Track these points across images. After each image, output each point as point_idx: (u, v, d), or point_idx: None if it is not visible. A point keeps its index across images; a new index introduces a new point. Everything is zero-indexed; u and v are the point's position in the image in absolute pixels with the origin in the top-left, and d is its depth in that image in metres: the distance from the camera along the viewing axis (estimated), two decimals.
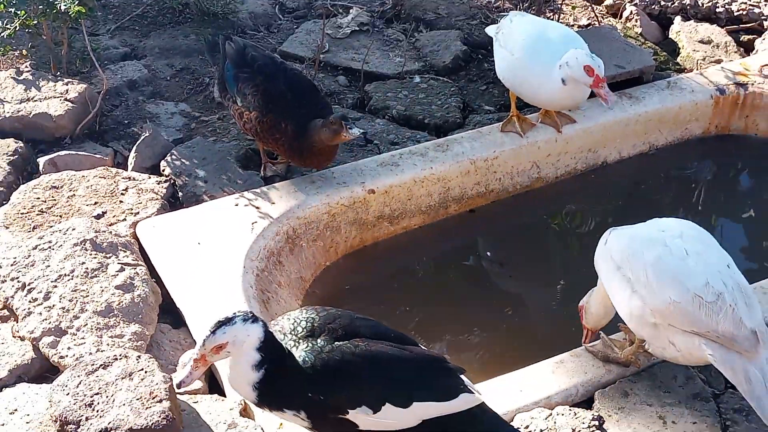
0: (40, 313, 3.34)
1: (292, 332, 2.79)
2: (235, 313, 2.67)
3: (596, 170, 4.64)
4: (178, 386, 2.71)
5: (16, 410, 3.08)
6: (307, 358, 2.72)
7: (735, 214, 4.58)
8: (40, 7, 4.42)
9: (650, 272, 3.01)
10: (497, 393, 3.18)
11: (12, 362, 3.25)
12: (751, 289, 3.05)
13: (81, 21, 4.44)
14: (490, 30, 4.57)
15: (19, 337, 3.33)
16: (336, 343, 2.75)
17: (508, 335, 3.86)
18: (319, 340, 2.76)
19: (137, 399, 2.89)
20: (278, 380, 2.72)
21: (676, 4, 5.59)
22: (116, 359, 3.03)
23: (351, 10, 5.51)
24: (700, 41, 5.35)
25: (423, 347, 2.89)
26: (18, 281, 3.47)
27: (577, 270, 4.08)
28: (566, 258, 4.33)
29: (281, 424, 3.03)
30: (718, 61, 5.17)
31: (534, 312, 4.00)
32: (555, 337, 3.73)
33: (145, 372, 2.98)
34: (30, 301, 3.39)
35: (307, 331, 2.79)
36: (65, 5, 4.30)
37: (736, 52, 5.30)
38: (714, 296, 2.90)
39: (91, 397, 2.91)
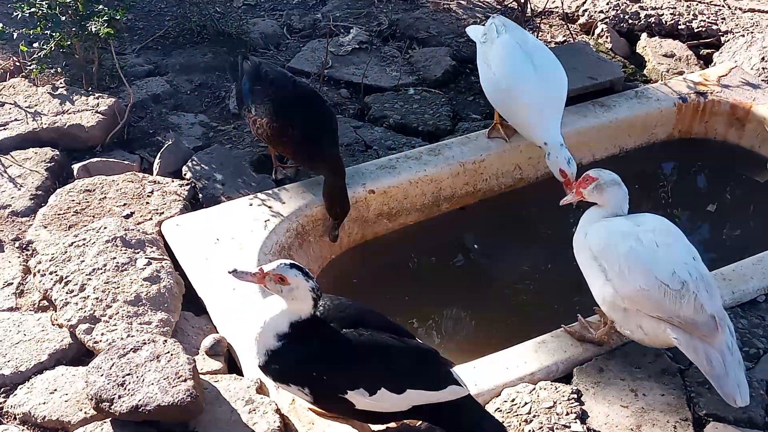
0: (76, 303, 3.34)
1: None
2: (313, 278, 2.70)
3: None
4: (232, 271, 2.73)
5: (55, 390, 3.08)
6: (316, 341, 2.74)
7: (696, 209, 4.59)
8: (73, 29, 4.42)
9: (623, 262, 3.02)
10: (487, 370, 3.19)
11: (51, 347, 3.25)
12: (713, 279, 3.07)
13: (110, 41, 4.44)
14: (473, 31, 4.48)
15: (58, 324, 3.34)
16: (343, 330, 2.77)
17: (495, 318, 3.86)
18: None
19: (164, 379, 2.89)
20: (289, 354, 2.74)
21: (642, 21, 5.60)
22: (145, 343, 3.03)
23: (351, 30, 5.51)
24: (664, 55, 5.35)
25: (419, 340, 2.90)
26: (56, 275, 3.47)
27: (556, 260, 4.10)
28: (546, 249, 4.33)
29: (293, 399, 3.04)
30: (681, 73, 5.17)
31: (518, 297, 4.01)
32: (537, 319, 3.74)
33: (171, 354, 2.99)
34: (67, 293, 3.40)
35: (322, 317, 2.80)
36: (96, 27, 4.30)
37: (696, 64, 5.31)
38: (679, 285, 2.91)
39: (123, 377, 2.91)
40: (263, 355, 2.76)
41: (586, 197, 3.26)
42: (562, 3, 5.73)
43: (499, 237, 4.38)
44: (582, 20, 5.71)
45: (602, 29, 5.54)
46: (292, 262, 2.71)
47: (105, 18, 4.33)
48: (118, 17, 4.38)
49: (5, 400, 3.09)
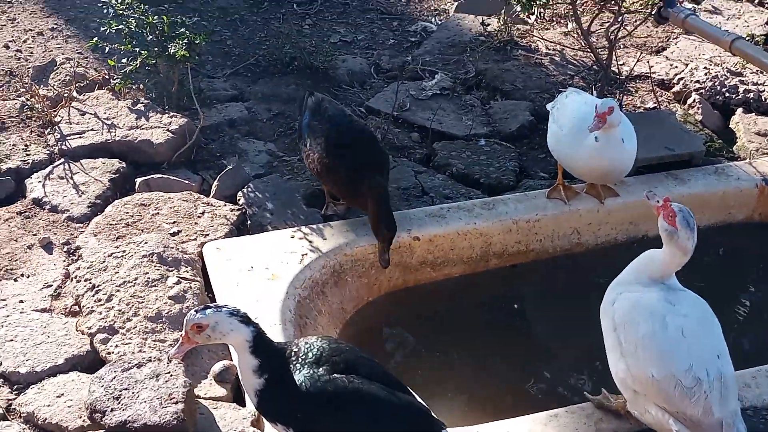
0: (100, 313, 3.42)
1: (303, 355, 2.77)
2: (227, 306, 2.67)
3: (636, 242, 4.44)
4: (168, 359, 2.82)
5: (62, 394, 3.15)
6: (303, 382, 2.69)
7: (761, 298, 4.31)
8: (156, 49, 4.57)
9: (640, 345, 2.86)
10: None
11: (70, 352, 3.33)
12: (734, 381, 2.84)
13: (187, 64, 4.57)
14: (549, 106, 4.49)
15: (81, 331, 3.42)
16: (334, 375, 2.71)
17: (521, 384, 3.72)
18: (320, 369, 2.72)
19: (157, 398, 2.92)
20: (277, 392, 2.70)
21: (740, 96, 5.35)
22: (149, 360, 3.07)
23: (436, 75, 5.49)
24: (757, 133, 5.09)
25: (415, 396, 2.80)
26: (90, 282, 3.57)
27: (601, 335, 3.92)
28: (593, 322, 4.14)
29: None
30: None
31: (549, 366, 3.85)
32: (560, 392, 3.59)
33: (171, 375, 3.01)
34: (95, 301, 3.48)
35: (315, 358, 2.75)
36: (174, 49, 4.44)
37: None
38: (692, 382, 2.73)
39: (120, 391, 2.96)
40: (254, 395, 2.75)
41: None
42: (650, 68, 5.53)
43: (545, 301, 4.24)
44: (676, 88, 5.49)
45: (694, 99, 5.32)
46: (198, 307, 2.67)
47: (185, 41, 4.45)
48: (197, 41, 4.50)
49: (16, 398, 3.18)
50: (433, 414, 2.77)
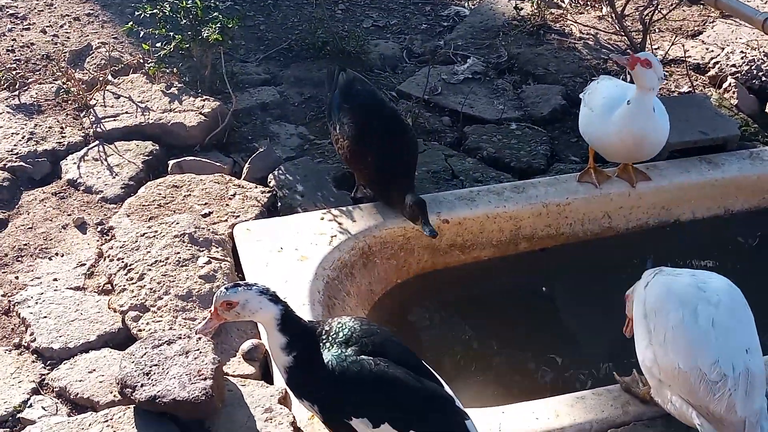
0: (132, 291, 3.47)
1: (334, 335, 2.80)
2: (256, 284, 2.72)
3: (668, 227, 4.41)
4: (197, 333, 2.87)
5: (94, 370, 3.21)
6: (330, 361, 2.72)
7: None
8: (189, 33, 4.61)
9: (669, 334, 2.83)
10: (515, 417, 3.09)
11: (102, 329, 3.39)
12: (763, 377, 2.79)
13: (220, 48, 4.61)
14: (582, 94, 4.47)
15: (113, 309, 3.47)
16: (361, 356, 2.73)
17: (549, 367, 3.71)
18: (348, 350, 2.74)
19: (186, 374, 2.96)
20: (304, 369, 2.73)
21: None
22: (179, 338, 3.11)
23: (468, 60, 5.47)
24: None
25: (442, 384, 2.79)
26: (122, 261, 3.62)
27: None
28: (623, 306, 4.13)
29: (312, 415, 3.03)
30: None
31: (578, 349, 3.84)
32: (587, 374, 3.58)
33: (200, 352, 3.05)
34: (127, 280, 3.54)
35: (345, 338, 2.78)
36: (207, 34, 4.47)
37: None
38: (718, 377, 2.69)
39: (150, 367, 3.00)
40: (284, 372, 2.79)
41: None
42: (685, 52, 5.47)
43: (574, 285, 4.21)
44: (712, 72, 5.43)
45: (730, 83, 5.25)
46: (227, 285, 2.72)
47: (218, 25, 4.49)
48: (230, 25, 4.53)
49: (49, 373, 3.25)
50: (458, 403, 2.76)
